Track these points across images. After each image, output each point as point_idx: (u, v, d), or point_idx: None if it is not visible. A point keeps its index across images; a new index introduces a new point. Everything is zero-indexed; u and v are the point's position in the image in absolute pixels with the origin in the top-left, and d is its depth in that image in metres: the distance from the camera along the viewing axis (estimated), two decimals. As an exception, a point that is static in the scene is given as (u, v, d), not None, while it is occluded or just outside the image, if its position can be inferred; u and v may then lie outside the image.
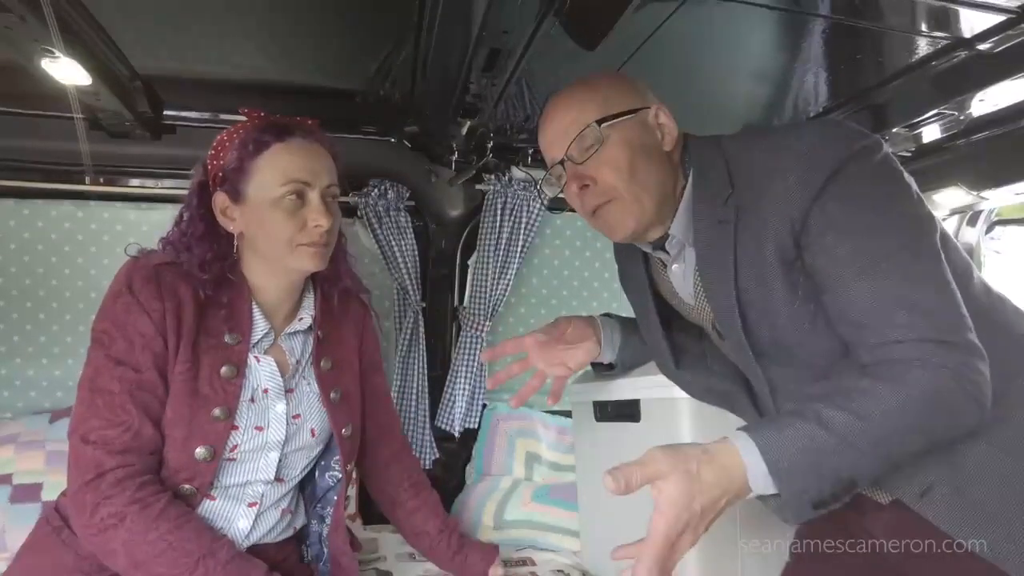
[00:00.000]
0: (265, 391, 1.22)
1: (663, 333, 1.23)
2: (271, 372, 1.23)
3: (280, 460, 1.24)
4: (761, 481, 0.85)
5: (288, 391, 1.25)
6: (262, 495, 1.23)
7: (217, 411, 1.14)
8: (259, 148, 1.16)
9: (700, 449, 0.86)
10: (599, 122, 1.03)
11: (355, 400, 1.39)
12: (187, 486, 1.14)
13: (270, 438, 1.22)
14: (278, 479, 1.26)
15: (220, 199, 1.19)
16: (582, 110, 1.05)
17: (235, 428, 1.16)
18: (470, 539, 1.55)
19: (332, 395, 1.31)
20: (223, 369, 1.16)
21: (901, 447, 0.88)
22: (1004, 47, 1.18)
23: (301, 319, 1.29)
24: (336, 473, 1.35)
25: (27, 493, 1.63)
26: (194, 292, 1.16)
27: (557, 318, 1.33)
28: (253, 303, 1.22)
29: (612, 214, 1.06)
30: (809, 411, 0.87)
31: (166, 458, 1.12)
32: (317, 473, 1.37)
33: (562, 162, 1.07)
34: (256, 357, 1.22)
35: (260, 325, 1.23)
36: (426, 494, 1.52)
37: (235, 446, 1.17)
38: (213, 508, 1.18)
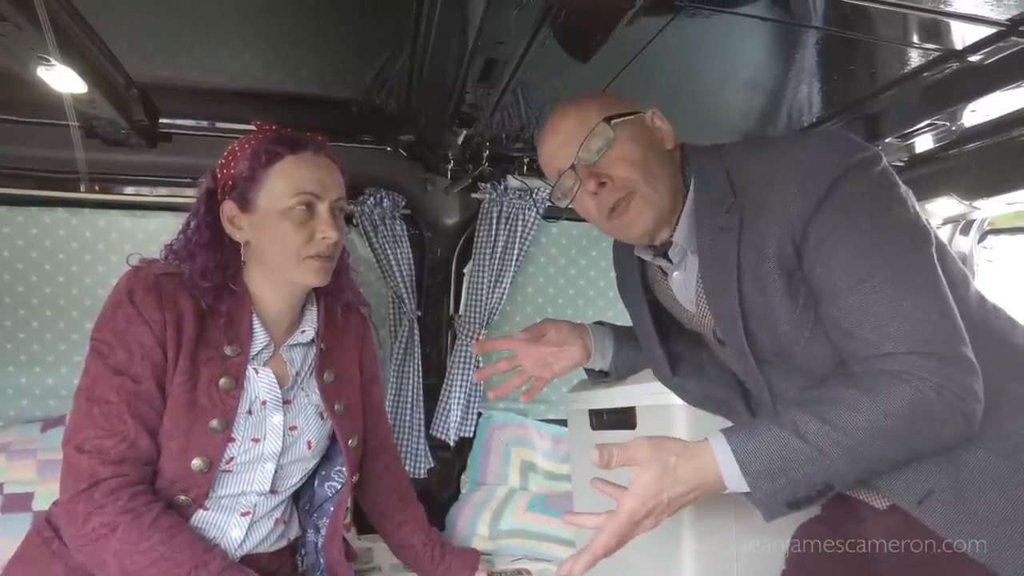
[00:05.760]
0: (263, 403, 1.21)
1: (659, 341, 1.24)
2: (269, 384, 1.22)
3: (276, 472, 1.24)
4: (735, 481, 0.90)
5: (285, 403, 1.25)
6: (255, 505, 1.23)
7: (214, 423, 1.13)
8: (271, 159, 1.17)
9: (681, 445, 0.93)
10: (607, 120, 1.04)
11: (358, 411, 1.39)
12: (182, 497, 1.13)
13: (266, 450, 1.21)
14: (273, 491, 1.25)
15: (228, 207, 1.19)
16: (586, 113, 1.07)
17: (232, 440, 1.16)
18: (452, 547, 1.57)
19: (336, 407, 1.31)
20: (221, 381, 1.15)
21: (877, 457, 0.90)
22: (995, 59, 1.19)
23: (303, 331, 1.29)
24: (336, 484, 1.35)
25: (18, 502, 1.61)
26: (195, 303, 1.15)
27: (541, 319, 1.35)
28: (253, 314, 1.22)
29: (632, 209, 1.05)
30: (787, 418, 0.91)
31: (162, 469, 1.12)
32: (316, 483, 1.37)
33: (573, 167, 1.07)
34: (255, 369, 1.21)
35: (260, 337, 1.22)
36: (413, 508, 1.53)
37: (231, 458, 1.16)
38: (206, 518, 1.17)
